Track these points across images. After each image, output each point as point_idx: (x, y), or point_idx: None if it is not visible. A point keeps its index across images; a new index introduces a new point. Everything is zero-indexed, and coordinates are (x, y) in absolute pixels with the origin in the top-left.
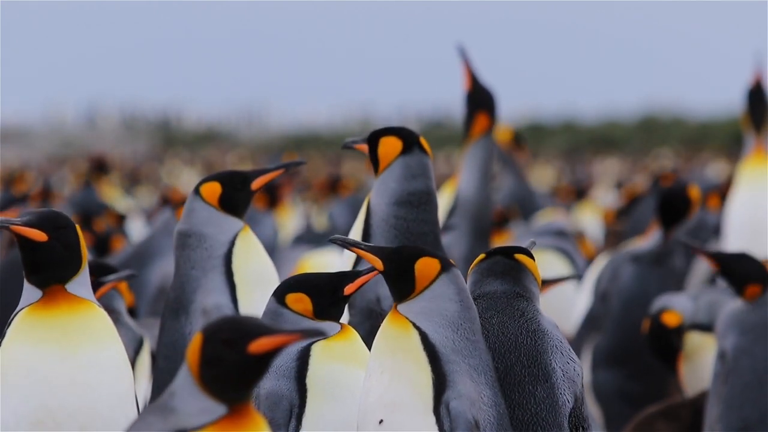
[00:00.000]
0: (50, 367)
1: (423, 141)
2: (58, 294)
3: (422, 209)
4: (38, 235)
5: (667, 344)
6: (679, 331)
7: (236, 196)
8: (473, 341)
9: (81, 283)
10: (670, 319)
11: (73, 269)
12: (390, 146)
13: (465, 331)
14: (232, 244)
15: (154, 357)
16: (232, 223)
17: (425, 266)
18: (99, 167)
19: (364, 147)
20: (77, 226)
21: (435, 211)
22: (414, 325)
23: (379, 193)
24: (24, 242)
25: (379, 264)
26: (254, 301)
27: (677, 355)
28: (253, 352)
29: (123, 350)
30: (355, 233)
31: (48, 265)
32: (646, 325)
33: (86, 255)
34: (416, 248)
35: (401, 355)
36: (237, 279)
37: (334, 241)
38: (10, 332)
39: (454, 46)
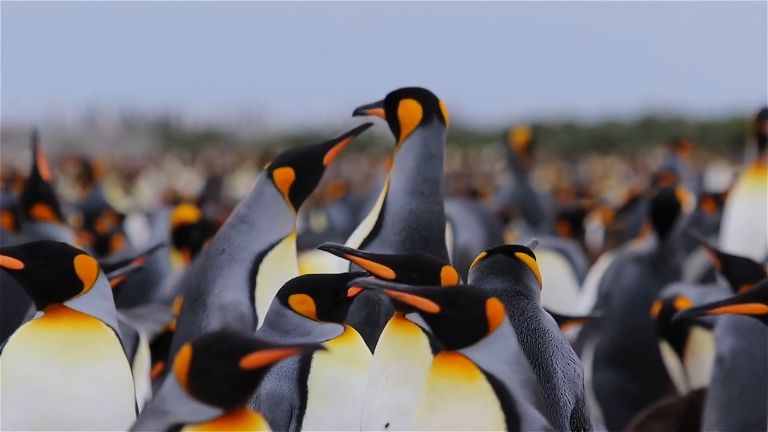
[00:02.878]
0: (50, 380)
1: (442, 105)
2: (60, 310)
3: (431, 200)
4: (14, 264)
5: (677, 329)
6: (690, 318)
7: (309, 178)
8: None
9: (85, 303)
10: (684, 305)
11: (69, 292)
12: (411, 111)
13: None
14: (272, 246)
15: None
16: (285, 222)
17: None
18: (86, 173)
19: (379, 111)
20: (81, 254)
21: (442, 200)
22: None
23: (399, 174)
24: (6, 270)
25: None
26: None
27: (685, 342)
28: (245, 366)
29: (126, 365)
30: (368, 223)
31: (33, 290)
32: (657, 309)
33: (92, 279)
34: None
35: (408, 360)
36: (259, 278)
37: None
38: (11, 344)
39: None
